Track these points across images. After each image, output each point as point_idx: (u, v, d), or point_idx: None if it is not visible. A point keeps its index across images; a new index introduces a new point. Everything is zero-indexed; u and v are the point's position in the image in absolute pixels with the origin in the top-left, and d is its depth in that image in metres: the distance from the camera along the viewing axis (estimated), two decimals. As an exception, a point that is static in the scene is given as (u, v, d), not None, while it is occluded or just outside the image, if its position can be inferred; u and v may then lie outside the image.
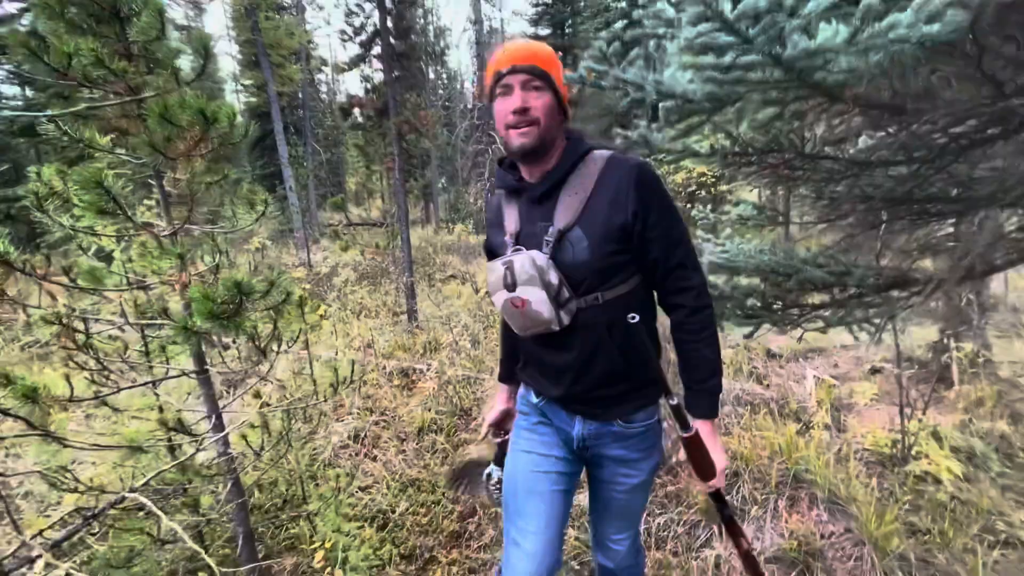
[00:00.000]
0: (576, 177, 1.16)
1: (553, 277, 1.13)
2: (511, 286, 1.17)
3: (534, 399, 1.40)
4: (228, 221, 2.12)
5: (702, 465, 1.16)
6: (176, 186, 2.04)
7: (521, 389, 1.49)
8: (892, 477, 3.12)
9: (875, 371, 5.08)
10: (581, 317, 1.17)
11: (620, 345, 1.19)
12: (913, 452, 3.24)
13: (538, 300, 1.15)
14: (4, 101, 11.34)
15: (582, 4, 12.12)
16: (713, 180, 9.01)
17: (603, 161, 1.15)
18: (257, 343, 1.75)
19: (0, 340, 5.70)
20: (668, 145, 1.64)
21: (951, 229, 2.52)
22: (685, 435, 1.14)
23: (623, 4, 15.84)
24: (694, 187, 9.24)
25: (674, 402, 1.13)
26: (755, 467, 2.95)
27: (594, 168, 1.15)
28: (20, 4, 10.83)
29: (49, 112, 1.44)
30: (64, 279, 1.94)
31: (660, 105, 1.54)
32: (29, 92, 11.29)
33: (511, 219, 1.26)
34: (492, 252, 1.36)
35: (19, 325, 5.54)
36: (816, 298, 2.19)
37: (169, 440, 2.16)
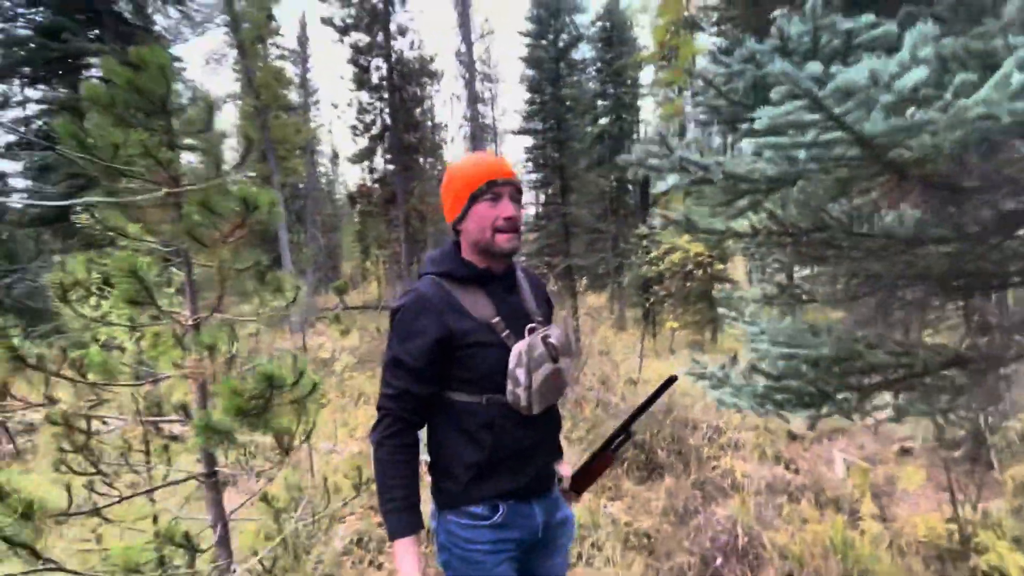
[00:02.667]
0: (518, 275, 1.39)
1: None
2: (556, 358, 1.25)
3: (493, 515, 1.25)
4: (252, 308, 2.03)
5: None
6: (202, 273, 1.97)
7: (463, 531, 1.24)
8: (955, 574, 2.84)
9: (905, 452, 4.84)
10: None
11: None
12: (973, 544, 2.97)
13: (568, 367, 1.30)
14: (17, 195, 11.61)
15: (568, 104, 13.00)
16: (710, 260, 9.21)
17: (518, 266, 1.42)
18: (283, 441, 1.59)
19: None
20: (712, 226, 1.63)
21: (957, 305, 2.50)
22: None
23: (607, 103, 17.24)
24: (691, 267, 9.42)
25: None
26: (811, 569, 2.67)
27: (518, 271, 1.40)
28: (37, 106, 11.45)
29: (87, 200, 1.39)
30: (70, 372, 1.80)
31: (696, 188, 1.56)
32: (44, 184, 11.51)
33: (482, 304, 1.27)
34: (459, 338, 1.21)
35: (13, 422, 5.19)
36: (866, 379, 2.09)
37: (161, 558, 1.90)
